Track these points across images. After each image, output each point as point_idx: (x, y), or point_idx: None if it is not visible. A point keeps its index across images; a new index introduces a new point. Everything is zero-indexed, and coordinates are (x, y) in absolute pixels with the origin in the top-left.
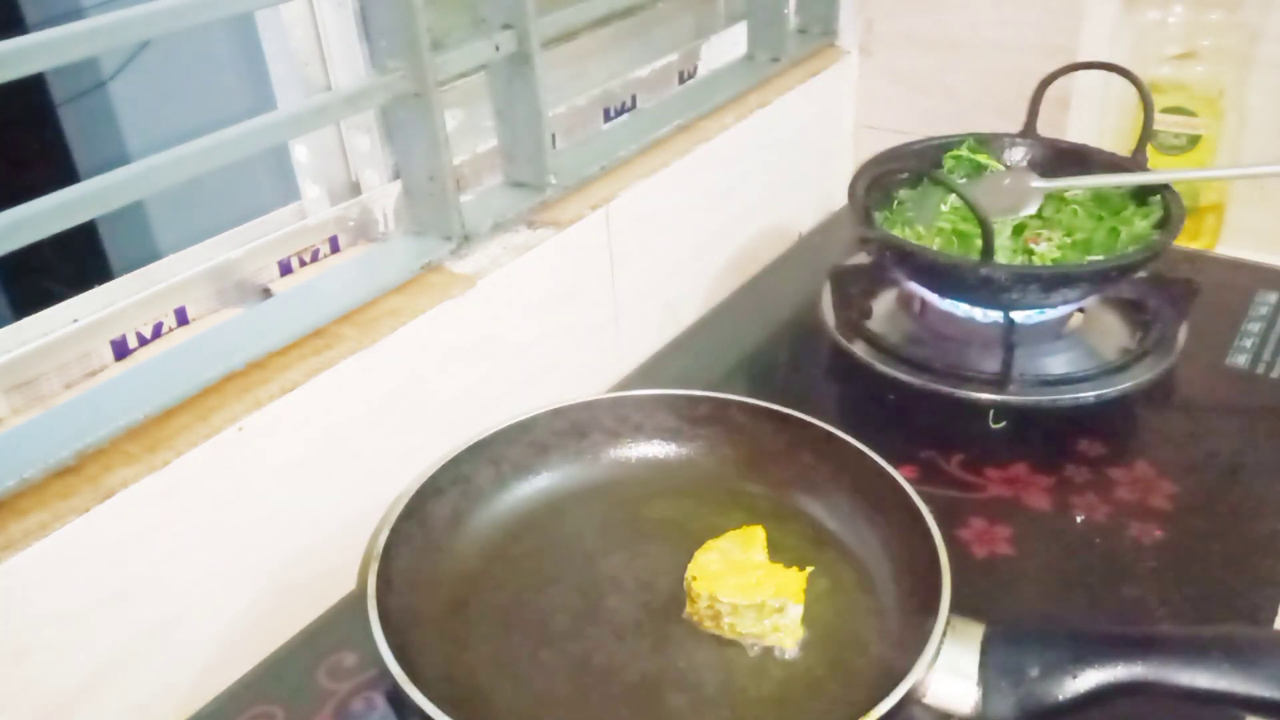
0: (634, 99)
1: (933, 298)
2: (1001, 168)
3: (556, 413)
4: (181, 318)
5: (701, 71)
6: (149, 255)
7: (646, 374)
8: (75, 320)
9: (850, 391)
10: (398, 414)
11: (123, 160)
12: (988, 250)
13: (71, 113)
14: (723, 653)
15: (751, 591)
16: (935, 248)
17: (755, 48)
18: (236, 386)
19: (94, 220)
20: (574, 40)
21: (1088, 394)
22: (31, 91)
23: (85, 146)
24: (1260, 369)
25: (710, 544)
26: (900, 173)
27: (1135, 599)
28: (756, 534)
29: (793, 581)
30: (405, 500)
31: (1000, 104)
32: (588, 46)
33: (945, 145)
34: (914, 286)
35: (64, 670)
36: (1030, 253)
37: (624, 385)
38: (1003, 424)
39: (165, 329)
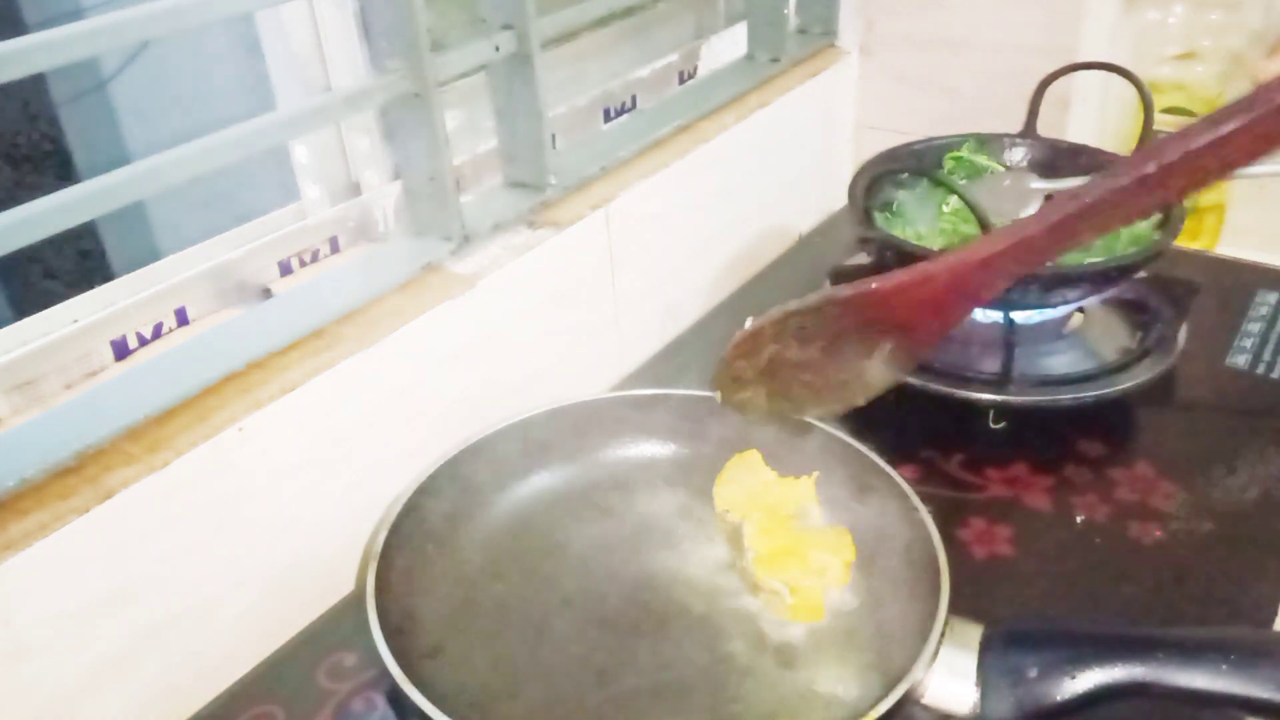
0: (634, 99)
1: None
2: (1002, 168)
3: (556, 413)
4: (181, 318)
5: (701, 72)
6: (149, 255)
7: (646, 374)
8: (75, 320)
9: None
10: (398, 414)
11: (123, 160)
12: None
13: (71, 113)
14: (721, 653)
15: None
16: (936, 249)
17: (755, 48)
18: (236, 386)
19: (94, 220)
20: (574, 40)
21: (1088, 394)
22: (31, 91)
23: (85, 146)
24: (1260, 369)
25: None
26: (900, 173)
27: (1135, 599)
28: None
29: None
30: (405, 500)
31: (1000, 104)
32: (588, 46)
33: (946, 146)
34: None
35: (64, 670)
36: None
37: (624, 385)
38: (1003, 424)
39: (165, 329)
